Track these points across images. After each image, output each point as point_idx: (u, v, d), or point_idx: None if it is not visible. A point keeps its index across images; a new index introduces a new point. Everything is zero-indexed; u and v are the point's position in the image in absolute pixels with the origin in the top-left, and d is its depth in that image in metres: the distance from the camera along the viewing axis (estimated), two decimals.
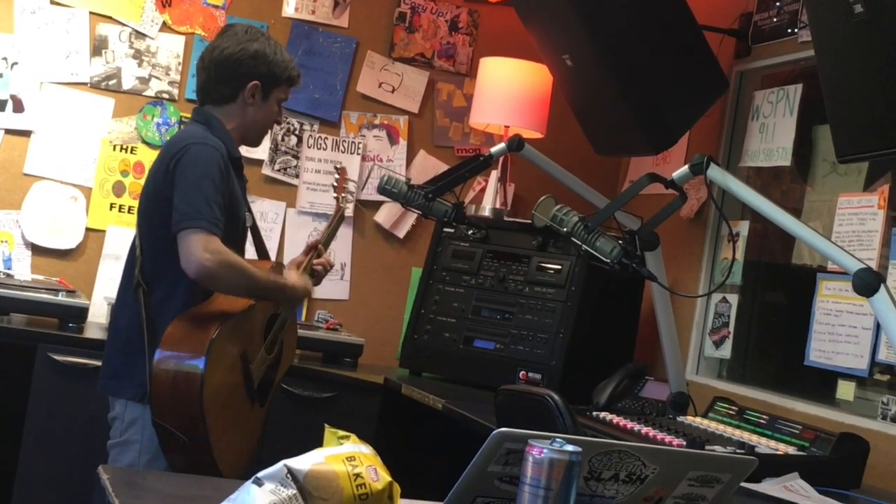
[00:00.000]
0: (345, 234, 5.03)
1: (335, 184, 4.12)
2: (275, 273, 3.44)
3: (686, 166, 3.10)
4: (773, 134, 4.20)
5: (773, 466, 2.79)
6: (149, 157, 4.80)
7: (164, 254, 3.21)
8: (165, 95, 4.85)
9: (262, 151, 4.90)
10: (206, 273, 3.12)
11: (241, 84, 3.40)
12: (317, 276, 3.74)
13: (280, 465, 1.72)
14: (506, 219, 4.69)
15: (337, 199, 4.09)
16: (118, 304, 3.41)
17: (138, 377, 3.20)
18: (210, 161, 3.22)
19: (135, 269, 3.30)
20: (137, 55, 4.82)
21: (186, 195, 3.16)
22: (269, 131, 3.61)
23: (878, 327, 3.50)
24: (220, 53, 3.41)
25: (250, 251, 3.58)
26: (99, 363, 3.91)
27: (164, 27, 4.86)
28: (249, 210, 3.54)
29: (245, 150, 3.84)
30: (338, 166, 4.25)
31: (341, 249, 5.04)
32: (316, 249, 3.73)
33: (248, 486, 1.71)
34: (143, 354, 3.20)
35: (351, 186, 4.48)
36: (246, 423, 3.39)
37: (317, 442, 1.87)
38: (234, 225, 3.34)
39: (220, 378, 3.17)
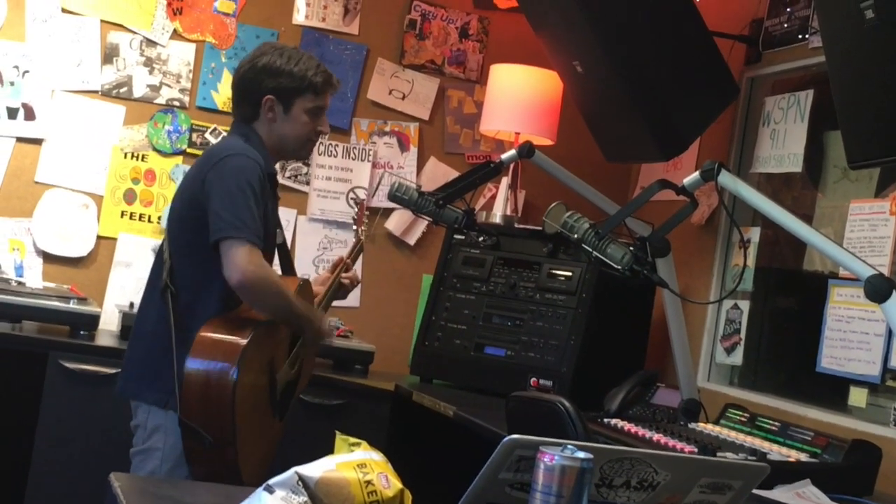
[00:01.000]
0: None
1: (355, 217, 4.10)
2: (308, 303, 3.44)
3: (697, 172, 3.09)
4: (784, 140, 4.20)
5: (785, 473, 2.78)
6: (160, 164, 4.81)
7: (195, 261, 3.21)
8: (176, 103, 4.86)
9: None
10: (248, 285, 3.11)
11: (256, 101, 3.39)
12: (344, 290, 3.76)
13: (291, 472, 1.72)
14: (516, 225, 4.69)
15: (356, 230, 4.07)
16: (143, 308, 3.39)
17: (163, 381, 3.19)
18: (251, 172, 3.21)
19: (162, 272, 3.29)
20: (148, 63, 4.83)
21: (230, 204, 3.14)
22: (316, 142, 3.58)
23: (890, 333, 3.49)
24: (237, 74, 3.45)
25: (276, 267, 3.58)
26: (110, 370, 3.94)
27: (175, 35, 4.87)
28: (280, 227, 3.53)
29: None
30: (356, 200, 4.22)
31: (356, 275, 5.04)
32: (343, 264, 3.74)
33: (259, 494, 1.71)
34: (170, 358, 3.19)
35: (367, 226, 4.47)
36: (267, 432, 3.40)
37: (328, 449, 1.87)
38: (265, 242, 3.33)
39: (250, 382, 3.18)
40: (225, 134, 4.24)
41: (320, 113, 3.46)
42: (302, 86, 3.40)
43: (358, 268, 4.99)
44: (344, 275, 3.75)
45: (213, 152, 3.34)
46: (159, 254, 3.37)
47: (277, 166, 4.89)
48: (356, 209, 4.11)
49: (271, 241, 3.42)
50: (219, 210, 3.14)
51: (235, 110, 3.48)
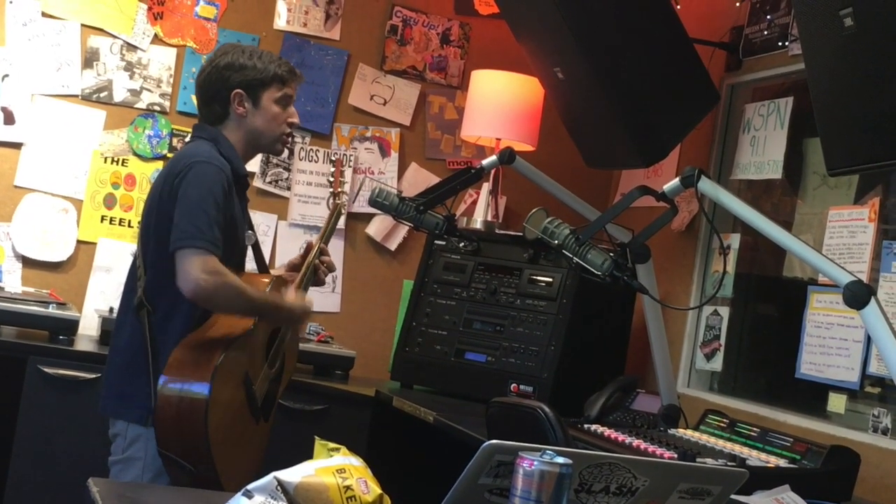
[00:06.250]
0: (336, 247, 5.03)
1: (331, 179, 4.05)
2: (273, 292, 3.40)
3: (677, 179, 3.10)
4: (763, 147, 4.21)
5: (764, 479, 2.79)
6: (140, 169, 4.80)
7: (166, 271, 3.19)
8: (157, 108, 4.85)
9: (253, 164, 4.89)
10: (202, 293, 3.11)
11: (224, 99, 3.40)
12: (319, 277, 3.69)
13: (270, 477, 1.72)
14: (497, 231, 4.69)
15: (334, 193, 4.01)
16: (119, 325, 3.38)
17: (141, 398, 3.19)
18: (214, 180, 3.21)
19: (136, 288, 3.28)
20: (129, 67, 4.82)
21: (187, 213, 3.15)
22: (288, 135, 3.55)
23: (868, 340, 3.51)
24: (199, 78, 3.46)
25: (250, 267, 3.57)
26: (90, 375, 3.93)
27: (156, 39, 4.86)
28: (252, 228, 3.52)
29: None
30: (333, 157, 4.16)
31: (333, 262, 5.04)
32: (318, 248, 3.67)
33: (238, 499, 1.71)
34: (146, 375, 3.18)
35: (346, 188, 4.39)
36: (251, 441, 3.39)
37: (307, 454, 1.87)
38: (232, 246, 3.32)
39: (224, 403, 3.16)
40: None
41: (289, 102, 3.48)
42: (267, 77, 3.43)
43: (338, 259, 5.03)
44: (322, 258, 3.66)
45: (177, 160, 3.33)
46: (132, 269, 3.37)
47: (257, 171, 4.92)
48: (332, 170, 4.06)
49: (241, 245, 3.42)
50: (178, 220, 3.15)
51: (204, 114, 3.47)
